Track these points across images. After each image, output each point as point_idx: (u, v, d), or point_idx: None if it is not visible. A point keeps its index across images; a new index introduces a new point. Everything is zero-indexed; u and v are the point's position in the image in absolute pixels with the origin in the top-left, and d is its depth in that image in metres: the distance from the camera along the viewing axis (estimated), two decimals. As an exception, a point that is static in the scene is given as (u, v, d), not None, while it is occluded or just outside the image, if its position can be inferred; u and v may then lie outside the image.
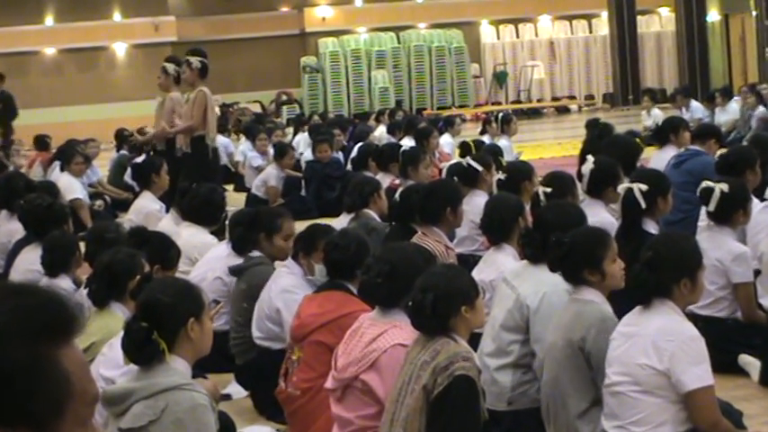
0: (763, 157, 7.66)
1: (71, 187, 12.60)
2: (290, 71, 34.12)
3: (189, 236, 7.58)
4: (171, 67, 11.10)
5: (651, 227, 6.38)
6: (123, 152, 16.74)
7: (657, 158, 9.35)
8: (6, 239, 8.56)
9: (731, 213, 6.33)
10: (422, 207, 6.79)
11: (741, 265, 6.21)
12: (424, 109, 32.39)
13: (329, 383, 4.62)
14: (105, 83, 33.90)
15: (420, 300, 4.08)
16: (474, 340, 4.54)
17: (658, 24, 35.84)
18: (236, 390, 6.46)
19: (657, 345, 4.31)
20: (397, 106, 27.73)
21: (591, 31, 35.89)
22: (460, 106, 33.24)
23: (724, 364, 5.79)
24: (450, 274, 4.24)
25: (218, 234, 8.01)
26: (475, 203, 7.66)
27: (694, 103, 19.90)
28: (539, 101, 34.69)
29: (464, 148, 10.92)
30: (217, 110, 24.65)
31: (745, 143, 9.98)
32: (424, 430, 4.05)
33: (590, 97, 35.06)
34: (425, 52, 33.98)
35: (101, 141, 17.72)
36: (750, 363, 6.15)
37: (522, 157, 13.71)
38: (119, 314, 4.98)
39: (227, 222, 7.62)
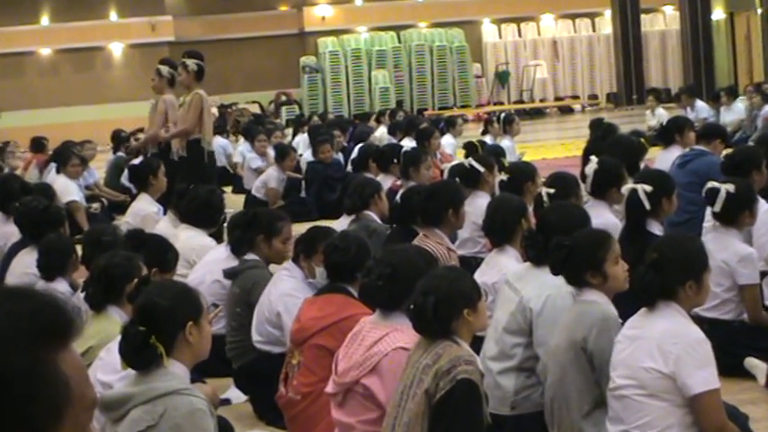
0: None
1: (67, 190, 12.56)
2: (289, 71, 34.14)
3: (187, 238, 7.57)
4: (165, 69, 11.07)
5: (656, 228, 6.36)
6: (120, 154, 16.72)
7: (662, 159, 9.37)
8: (2, 242, 8.53)
9: (737, 214, 6.31)
10: (423, 209, 6.78)
11: (747, 266, 6.20)
12: (426, 109, 32.43)
13: (330, 388, 4.60)
14: (102, 83, 33.94)
15: (421, 303, 4.06)
16: (476, 343, 4.52)
17: (663, 23, 35.87)
18: (236, 394, 6.43)
19: (663, 348, 4.29)
20: (397, 107, 27.72)
21: (594, 30, 35.91)
22: (462, 106, 33.28)
23: (730, 367, 5.77)
24: (451, 276, 4.22)
25: (216, 236, 7.98)
26: (477, 205, 7.63)
27: (699, 103, 19.86)
28: (541, 101, 34.71)
29: (469, 149, 10.89)
30: (215, 111, 24.64)
31: (750, 143, 9.96)
32: (426, 435, 4.01)
33: (593, 97, 35.08)
34: (426, 52, 34.00)
35: (97, 143, 17.70)
36: (756, 366, 6.13)
37: (525, 158, 13.68)
38: (116, 318, 4.96)
39: (225, 225, 7.58)
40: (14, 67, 33.38)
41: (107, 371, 4.42)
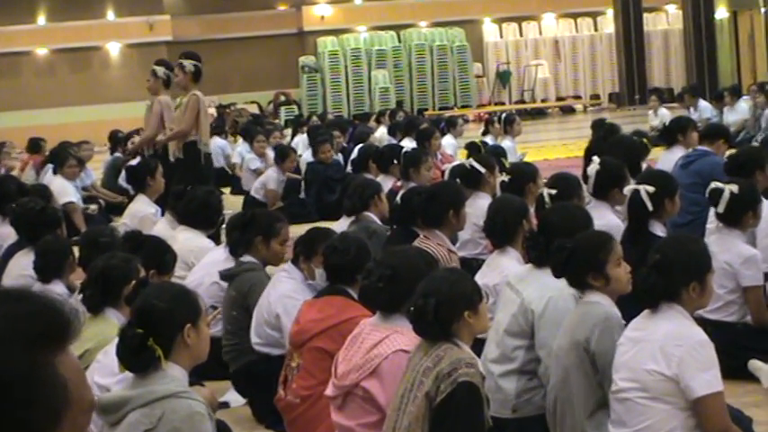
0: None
1: (64, 191, 12.55)
2: (288, 71, 34.14)
3: (185, 240, 7.56)
4: (161, 70, 11.06)
5: (658, 229, 6.34)
6: (117, 155, 16.67)
7: (665, 159, 9.38)
8: (-2, 244, 8.50)
9: (741, 215, 6.30)
10: (424, 210, 6.77)
11: (751, 267, 6.18)
12: (426, 109, 32.42)
13: (329, 391, 4.59)
14: (99, 83, 33.93)
15: (422, 305, 4.05)
16: (478, 346, 4.52)
17: (665, 22, 35.85)
18: (234, 398, 6.42)
19: (666, 350, 4.27)
20: (397, 107, 27.69)
21: (596, 30, 35.89)
22: (463, 106, 33.27)
23: (733, 369, 5.76)
24: (452, 278, 4.20)
25: (215, 238, 7.95)
26: (478, 206, 7.62)
27: (702, 103, 19.84)
28: (543, 101, 34.70)
29: (472, 149, 10.86)
30: (213, 111, 24.59)
31: (754, 143, 9.94)
32: (426, 439, 4.00)
33: (595, 97, 35.06)
34: (427, 51, 33.98)
35: (94, 144, 17.65)
36: (760, 368, 6.11)
37: (527, 159, 13.68)
38: (113, 320, 4.95)
39: (223, 226, 7.56)
40: (10, 67, 33.38)
41: (104, 374, 4.40)
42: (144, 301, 3.91)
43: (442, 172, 9.58)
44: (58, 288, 6.26)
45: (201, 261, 7.19)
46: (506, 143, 13.68)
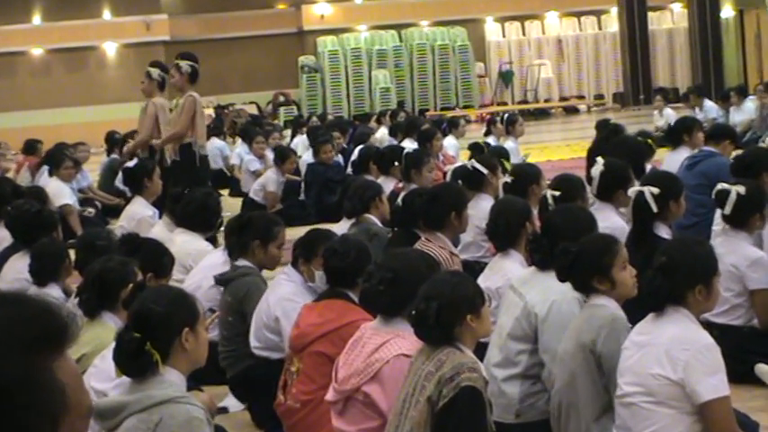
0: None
1: (60, 193, 12.53)
2: (287, 71, 34.13)
3: (183, 243, 7.54)
4: (156, 71, 11.05)
5: (664, 231, 6.32)
6: (114, 156, 16.59)
7: (670, 160, 9.39)
8: (-7, 247, 8.45)
9: (747, 217, 6.28)
10: (425, 212, 6.75)
11: (758, 270, 6.16)
12: (427, 110, 32.39)
13: (330, 396, 4.59)
14: (95, 84, 33.93)
15: (423, 308, 4.03)
16: (480, 350, 4.54)
17: (670, 21, 35.83)
18: (233, 403, 6.41)
19: (671, 354, 4.25)
20: (398, 107, 27.70)
21: (600, 29, 35.86)
22: (465, 107, 33.24)
23: (740, 373, 5.74)
24: (454, 281, 4.18)
25: (213, 241, 7.92)
26: (480, 208, 7.60)
27: (708, 103, 19.81)
28: (546, 101, 34.66)
29: (475, 150, 10.82)
30: (211, 112, 24.54)
31: (761, 144, 9.90)
32: (429, 444, 3.99)
33: (599, 97, 35.04)
34: (428, 51, 33.94)
35: (91, 145, 17.62)
36: (767, 372, 6.07)
37: (530, 160, 13.66)
38: (110, 324, 4.94)
39: (222, 228, 7.52)
40: (5, 67, 33.37)
41: (101, 378, 4.38)
42: (141, 305, 3.90)
43: (444, 173, 9.59)
44: (54, 292, 6.22)
45: (199, 264, 7.16)
46: (509, 144, 13.63)
